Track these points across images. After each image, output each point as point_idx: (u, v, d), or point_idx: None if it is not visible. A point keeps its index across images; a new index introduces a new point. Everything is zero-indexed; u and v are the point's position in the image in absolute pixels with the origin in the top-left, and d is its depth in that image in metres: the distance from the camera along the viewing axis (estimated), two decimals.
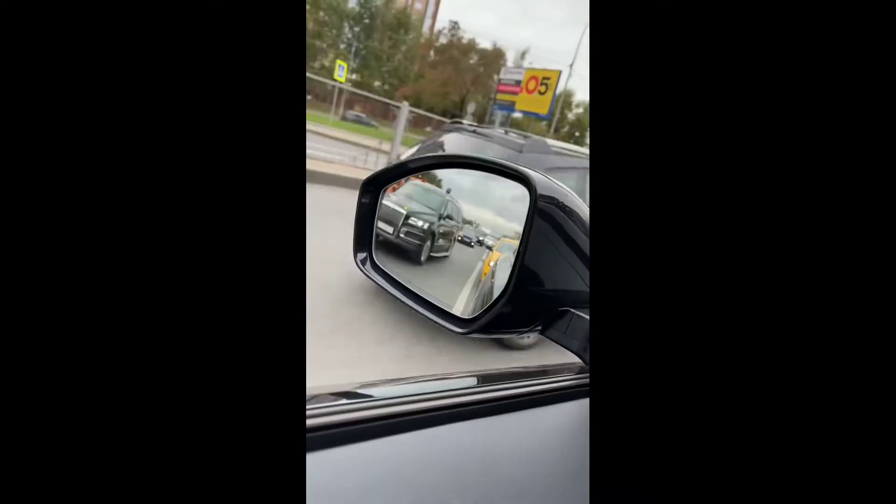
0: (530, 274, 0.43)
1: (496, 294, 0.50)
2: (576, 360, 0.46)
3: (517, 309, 0.44)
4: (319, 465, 0.29)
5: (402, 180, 0.59)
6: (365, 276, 0.55)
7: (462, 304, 0.53)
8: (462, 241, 0.59)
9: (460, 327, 0.46)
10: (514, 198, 0.57)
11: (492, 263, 0.55)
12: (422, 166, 0.56)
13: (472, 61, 33.43)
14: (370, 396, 0.36)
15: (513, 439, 0.38)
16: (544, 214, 0.43)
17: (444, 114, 23.62)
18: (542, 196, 0.43)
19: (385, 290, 0.53)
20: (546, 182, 0.45)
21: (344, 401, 0.34)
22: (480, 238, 0.57)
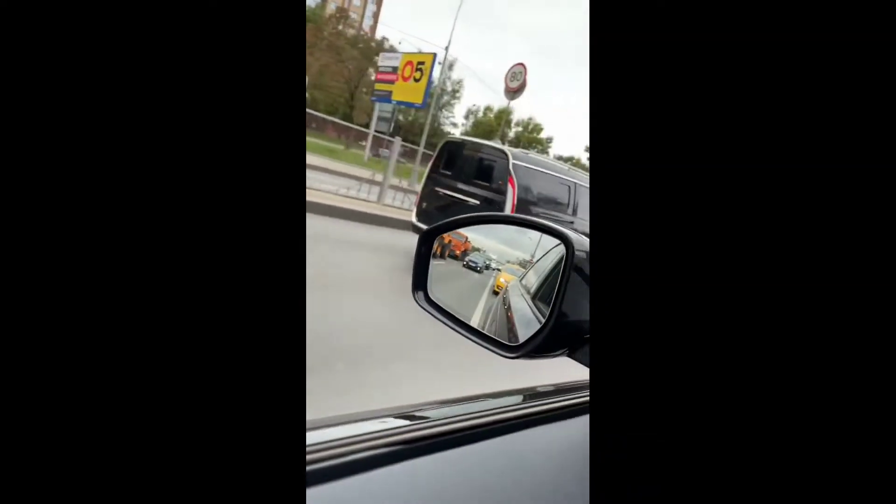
0: (563, 314, 0.54)
1: (516, 316, 0.62)
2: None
3: (553, 340, 0.55)
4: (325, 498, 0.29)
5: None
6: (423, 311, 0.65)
7: (481, 309, 0.66)
8: (467, 267, 0.69)
9: (508, 353, 0.56)
10: (518, 230, 0.70)
11: (502, 280, 0.66)
12: (473, 222, 0.68)
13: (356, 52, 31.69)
14: (368, 430, 0.37)
15: (536, 451, 0.43)
16: (577, 268, 0.54)
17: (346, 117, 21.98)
18: (578, 251, 0.54)
19: (441, 321, 0.63)
20: (579, 239, 0.56)
21: (350, 432, 0.34)
22: (487, 263, 0.69)
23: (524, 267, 0.67)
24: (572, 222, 4.62)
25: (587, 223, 4.86)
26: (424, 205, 4.63)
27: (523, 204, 4.16)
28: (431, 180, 4.66)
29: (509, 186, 4.10)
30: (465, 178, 4.47)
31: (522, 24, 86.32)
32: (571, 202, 4.66)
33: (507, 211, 4.05)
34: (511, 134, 42.95)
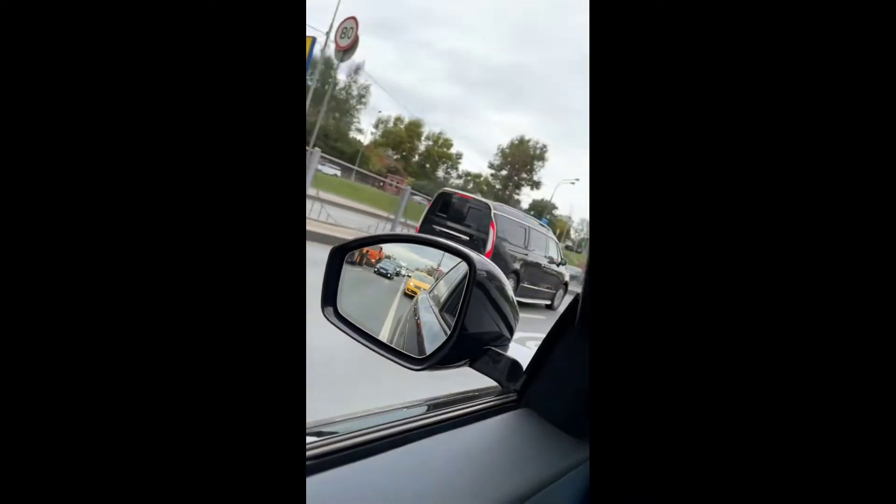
0: (465, 327, 0.59)
1: (424, 329, 0.66)
2: (493, 384, 0.62)
3: (457, 352, 0.59)
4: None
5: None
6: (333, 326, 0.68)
7: (391, 317, 0.70)
8: (378, 273, 0.72)
9: (414, 365, 0.60)
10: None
11: (412, 284, 0.71)
12: (382, 240, 0.73)
13: None
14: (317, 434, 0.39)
15: (459, 451, 0.47)
16: (479, 285, 0.59)
17: None
18: (479, 270, 0.59)
19: (350, 336, 0.65)
20: (481, 260, 0.61)
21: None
22: (398, 270, 0.74)
23: (431, 274, 0.72)
24: (526, 254, 6.63)
25: (536, 255, 7.01)
26: None
27: (499, 241, 5.95)
28: (428, 220, 6.47)
29: (490, 229, 5.90)
30: (455, 219, 6.29)
31: (444, 45, 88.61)
32: (525, 239, 6.75)
33: (488, 246, 5.82)
34: (421, 147, 43.66)
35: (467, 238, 5.96)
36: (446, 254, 0.66)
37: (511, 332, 0.66)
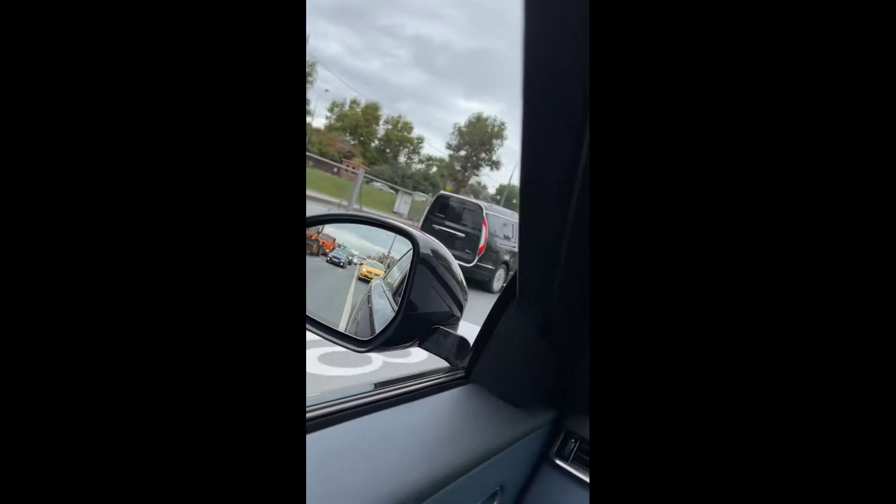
0: (412, 305, 0.59)
1: (377, 314, 0.68)
2: (444, 363, 0.65)
3: (404, 331, 0.60)
4: None
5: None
6: None
7: (349, 304, 0.71)
8: (330, 262, 0.73)
9: (360, 346, 0.61)
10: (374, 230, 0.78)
11: (365, 269, 0.73)
12: (329, 221, 0.73)
13: None
14: None
15: (408, 425, 0.49)
16: (424, 262, 0.60)
17: None
18: (423, 248, 0.60)
19: None
20: (425, 238, 0.62)
21: None
22: (350, 258, 0.75)
23: (382, 261, 0.74)
24: (514, 246, 7.14)
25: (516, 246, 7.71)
26: None
27: (491, 237, 6.91)
28: (429, 221, 7.36)
29: (483, 227, 6.85)
30: (453, 219, 7.27)
31: (409, 32, 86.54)
32: (513, 233, 7.48)
33: (482, 242, 6.76)
34: (380, 131, 42.58)
35: (463, 235, 6.95)
36: (397, 237, 0.67)
37: (461, 310, 0.68)
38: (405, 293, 0.59)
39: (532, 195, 0.44)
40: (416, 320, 0.61)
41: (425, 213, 7.73)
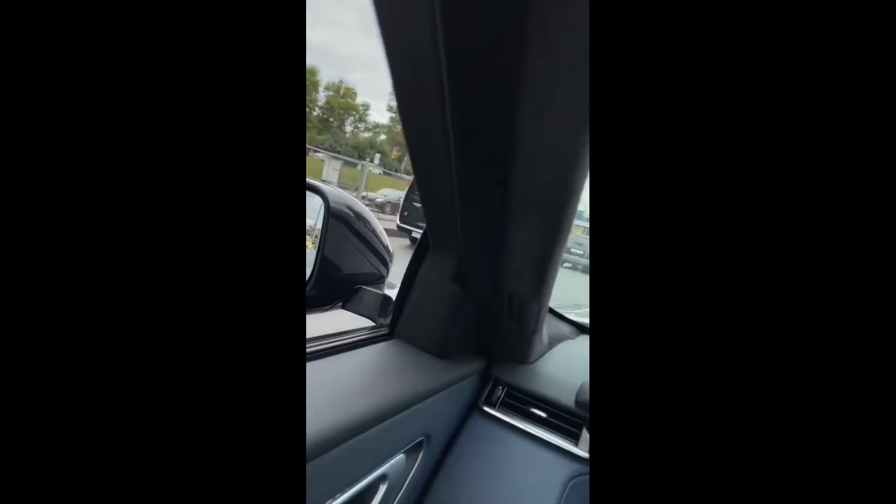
0: (329, 264, 0.59)
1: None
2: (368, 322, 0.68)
3: (321, 292, 0.61)
4: None
5: None
6: None
7: None
8: None
9: None
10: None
11: None
12: None
13: None
14: None
15: (331, 374, 0.53)
16: (337, 216, 0.59)
17: None
18: (334, 203, 0.60)
19: None
20: (338, 193, 0.61)
21: None
22: None
23: (309, 234, 0.76)
24: None
25: None
26: (406, 213, 7.48)
27: None
28: (409, 199, 7.62)
29: None
30: None
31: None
32: None
33: None
34: (321, 98, 40.23)
35: None
36: (323, 206, 0.66)
37: (387, 269, 0.69)
38: (318, 253, 0.58)
39: (419, 154, 0.47)
40: (336, 281, 0.61)
41: (405, 191, 7.95)
